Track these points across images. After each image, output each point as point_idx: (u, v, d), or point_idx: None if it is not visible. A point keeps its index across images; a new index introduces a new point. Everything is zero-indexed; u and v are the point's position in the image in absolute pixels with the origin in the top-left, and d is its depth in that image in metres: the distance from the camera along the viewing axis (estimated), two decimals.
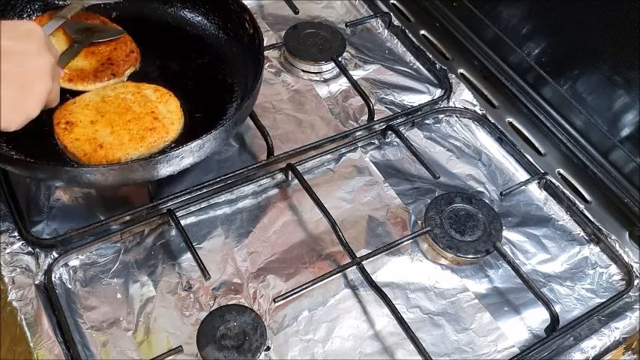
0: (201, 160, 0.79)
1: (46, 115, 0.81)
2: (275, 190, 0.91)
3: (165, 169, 0.76)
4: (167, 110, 0.85)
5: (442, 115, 1.04)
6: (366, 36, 1.16)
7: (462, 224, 0.87)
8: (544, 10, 1.00)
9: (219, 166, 0.90)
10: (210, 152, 0.79)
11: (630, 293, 0.84)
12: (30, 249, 0.78)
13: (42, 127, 0.81)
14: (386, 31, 1.17)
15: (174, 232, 0.83)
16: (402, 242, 0.85)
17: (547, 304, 0.79)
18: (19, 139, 0.80)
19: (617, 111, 0.94)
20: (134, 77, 0.91)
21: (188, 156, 0.77)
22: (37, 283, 0.76)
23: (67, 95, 0.85)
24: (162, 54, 0.95)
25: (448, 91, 1.06)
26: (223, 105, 0.89)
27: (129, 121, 0.82)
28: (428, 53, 1.11)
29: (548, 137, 1.02)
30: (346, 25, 1.13)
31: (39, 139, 0.82)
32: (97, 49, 0.91)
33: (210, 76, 0.93)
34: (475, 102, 1.05)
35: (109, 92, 0.86)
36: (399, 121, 1.00)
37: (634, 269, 0.87)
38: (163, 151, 0.80)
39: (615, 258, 0.88)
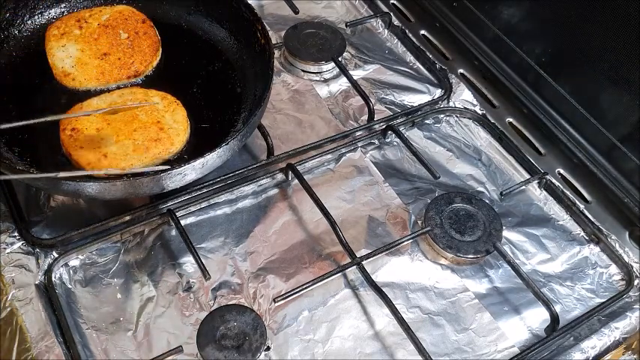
0: (204, 175, 0.79)
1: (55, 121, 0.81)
2: (275, 190, 0.91)
3: (168, 185, 0.76)
4: (173, 120, 0.84)
5: (442, 115, 1.04)
6: (366, 36, 1.16)
7: (462, 224, 0.87)
8: (544, 10, 1.00)
9: (219, 166, 0.90)
10: (214, 168, 0.79)
11: (630, 293, 0.84)
12: (30, 249, 0.78)
13: (51, 132, 0.81)
14: (386, 31, 1.17)
15: (174, 232, 0.83)
16: (402, 242, 0.85)
17: (547, 304, 0.79)
18: (27, 144, 0.81)
19: (617, 111, 0.94)
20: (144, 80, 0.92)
21: (191, 173, 0.76)
22: (37, 283, 0.76)
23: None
24: (173, 58, 0.95)
25: (448, 91, 1.06)
26: (231, 115, 0.89)
27: (134, 130, 0.81)
28: (428, 53, 1.11)
29: (548, 137, 1.02)
30: (346, 25, 1.13)
31: (48, 144, 0.82)
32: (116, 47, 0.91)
33: (219, 84, 0.93)
34: (475, 102, 1.05)
35: (117, 98, 0.85)
36: (399, 121, 1.00)
37: (634, 269, 0.87)
38: (167, 164, 0.79)
39: (615, 258, 0.88)
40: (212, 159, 0.76)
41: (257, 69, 0.91)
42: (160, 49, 0.93)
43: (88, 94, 0.87)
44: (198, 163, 0.75)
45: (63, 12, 0.96)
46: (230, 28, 0.97)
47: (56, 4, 0.95)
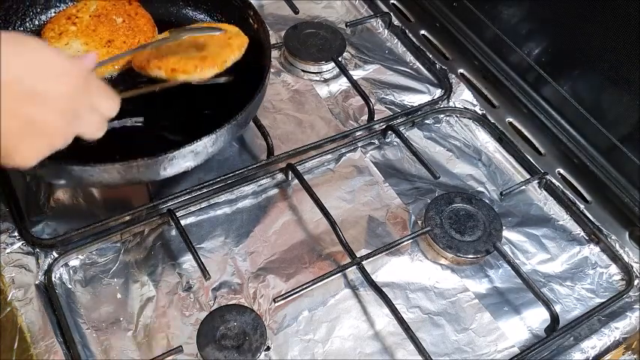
0: (203, 161, 0.79)
1: None
2: (275, 190, 0.91)
3: (168, 170, 0.76)
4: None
5: (442, 115, 1.04)
6: (366, 36, 1.16)
7: (462, 224, 0.87)
8: (544, 10, 1.00)
9: (219, 166, 0.90)
10: (216, 151, 0.79)
11: (630, 293, 0.84)
12: (30, 249, 0.78)
13: None
14: (386, 31, 1.17)
15: (174, 232, 0.83)
16: (402, 242, 0.85)
17: (547, 304, 0.79)
18: None
19: (617, 111, 0.94)
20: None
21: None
22: (37, 283, 0.76)
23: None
24: None
25: (448, 91, 1.06)
26: (232, 102, 0.89)
27: (204, 41, 0.86)
28: (428, 53, 1.11)
29: (548, 137, 1.02)
30: (346, 25, 1.13)
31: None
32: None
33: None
34: (475, 102, 1.05)
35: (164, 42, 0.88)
36: (399, 121, 1.00)
37: (634, 269, 0.87)
38: (166, 151, 0.77)
39: (615, 258, 0.88)
40: (212, 140, 0.77)
41: (253, 54, 0.92)
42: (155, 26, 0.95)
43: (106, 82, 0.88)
44: (200, 144, 0.75)
45: (52, 16, 0.96)
46: (221, 19, 0.98)
47: (46, 10, 0.96)
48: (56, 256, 0.78)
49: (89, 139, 0.64)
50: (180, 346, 0.72)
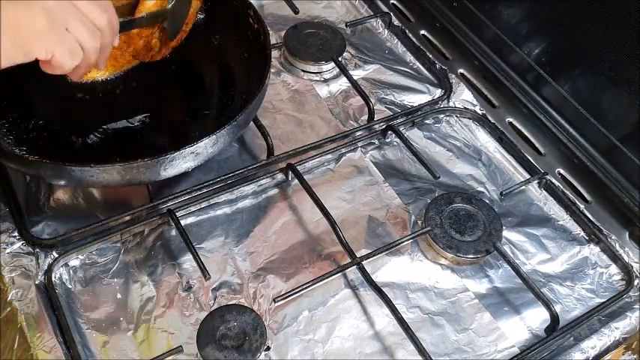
0: (204, 162, 0.79)
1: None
2: (275, 190, 0.91)
3: (168, 171, 0.76)
4: None
5: (442, 115, 1.04)
6: (366, 36, 1.16)
7: (462, 224, 0.87)
8: (544, 10, 1.00)
9: (219, 166, 0.90)
10: (216, 152, 0.79)
11: (630, 293, 0.84)
12: (30, 249, 0.78)
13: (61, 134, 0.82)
14: (386, 31, 1.17)
15: (174, 232, 0.83)
16: (402, 242, 0.85)
17: (547, 304, 0.79)
18: (34, 144, 0.81)
19: (617, 111, 0.94)
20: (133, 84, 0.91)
21: (189, 157, 0.76)
22: (37, 283, 0.76)
23: None
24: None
25: (448, 91, 1.06)
26: (231, 102, 0.89)
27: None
28: (428, 53, 1.11)
29: (548, 137, 1.02)
30: (346, 25, 1.13)
31: (56, 144, 0.82)
32: None
33: (216, 74, 0.94)
34: (475, 102, 1.05)
35: None
36: (399, 121, 1.00)
37: (634, 269, 0.87)
38: (166, 152, 0.78)
39: (615, 258, 0.88)
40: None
41: (252, 54, 0.92)
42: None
43: (106, 83, 0.88)
44: (201, 145, 0.75)
45: None
46: (220, 20, 0.97)
47: None
48: (56, 256, 0.78)
49: (59, 63, 0.64)
50: (180, 346, 0.72)
